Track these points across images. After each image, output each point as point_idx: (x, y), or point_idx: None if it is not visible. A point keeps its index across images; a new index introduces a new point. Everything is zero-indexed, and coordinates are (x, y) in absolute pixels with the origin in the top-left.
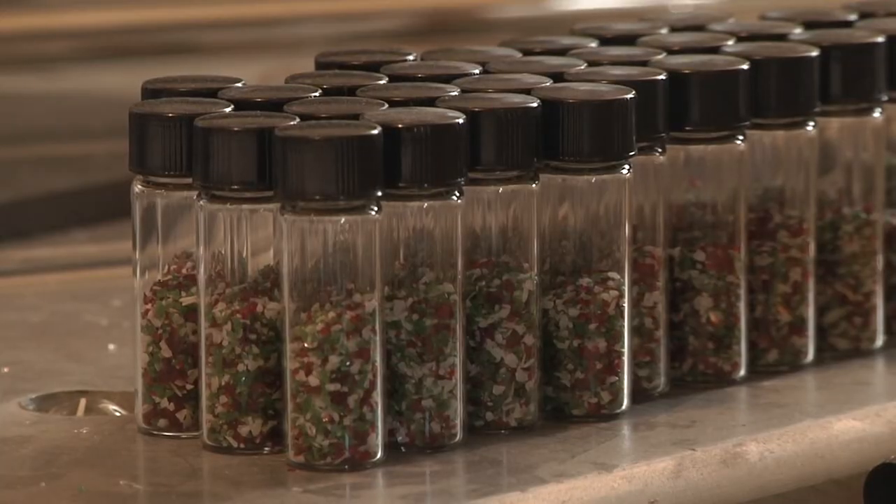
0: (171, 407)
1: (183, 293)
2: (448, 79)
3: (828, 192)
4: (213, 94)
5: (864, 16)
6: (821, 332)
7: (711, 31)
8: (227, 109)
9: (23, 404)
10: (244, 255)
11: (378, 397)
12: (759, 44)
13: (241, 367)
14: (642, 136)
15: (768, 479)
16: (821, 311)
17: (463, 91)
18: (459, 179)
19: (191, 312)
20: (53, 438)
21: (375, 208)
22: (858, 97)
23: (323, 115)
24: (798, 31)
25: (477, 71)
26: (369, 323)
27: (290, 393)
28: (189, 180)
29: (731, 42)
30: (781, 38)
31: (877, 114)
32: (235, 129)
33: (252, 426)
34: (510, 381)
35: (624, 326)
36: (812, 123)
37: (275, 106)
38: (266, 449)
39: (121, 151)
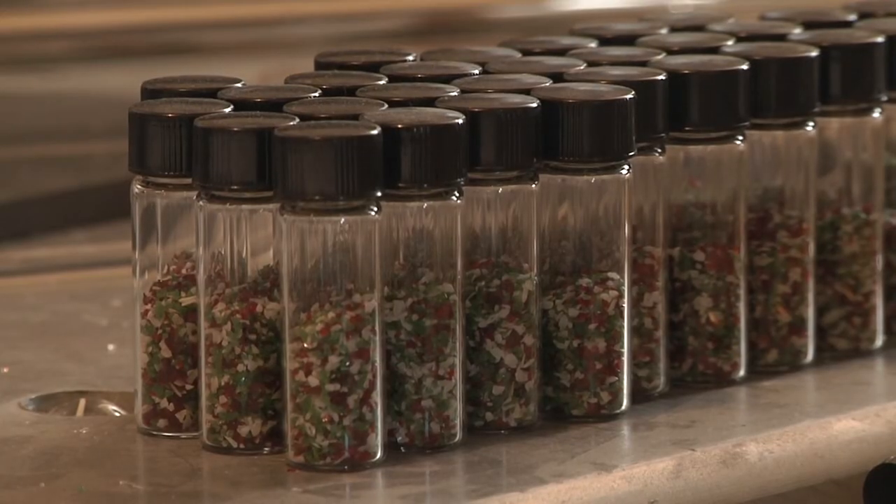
0: (171, 407)
1: (182, 293)
2: (448, 79)
3: (827, 193)
4: (212, 94)
5: (863, 16)
6: (820, 332)
7: (711, 31)
8: (227, 110)
9: (23, 404)
10: (244, 255)
11: (378, 397)
12: (758, 44)
13: (240, 368)
14: (642, 136)
15: (768, 479)
16: (820, 311)
17: (462, 91)
18: (459, 180)
19: (190, 313)
20: (53, 439)
21: (375, 208)
22: (858, 97)
23: (322, 116)
24: (798, 31)
25: (476, 71)
26: (369, 323)
27: (290, 393)
28: (189, 180)
29: (730, 42)
30: (781, 38)
31: (876, 114)
32: (235, 129)
33: (252, 426)
34: (510, 381)
35: (623, 327)
36: (812, 123)
37: (274, 106)
38: (266, 449)
39: (121, 151)
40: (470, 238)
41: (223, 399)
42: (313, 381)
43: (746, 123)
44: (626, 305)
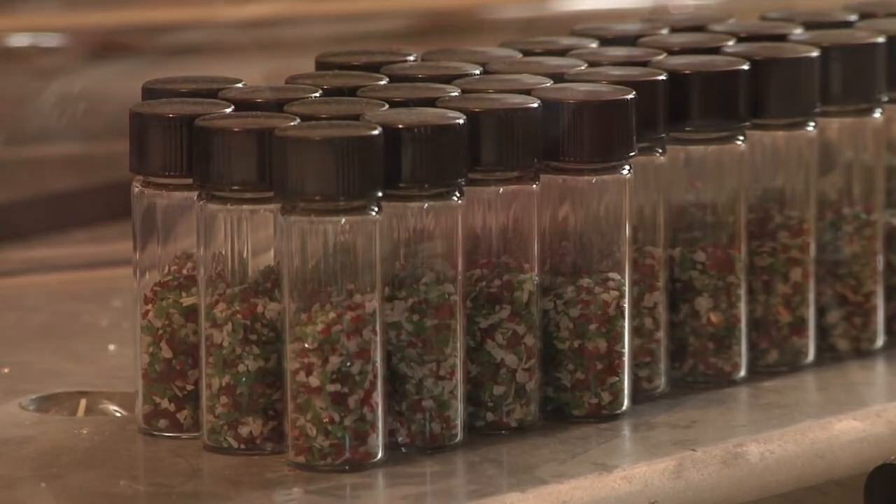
0: (172, 407)
1: (183, 294)
2: (448, 79)
3: (828, 193)
4: (213, 94)
5: (864, 16)
6: (821, 332)
7: (712, 31)
8: (228, 110)
9: (23, 405)
10: (244, 255)
11: (378, 398)
12: (759, 44)
13: (241, 368)
14: (642, 136)
15: (769, 479)
16: (821, 311)
17: (463, 91)
18: (460, 180)
19: (191, 313)
20: (54, 439)
21: (376, 209)
22: (858, 98)
23: (323, 116)
24: (798, 31)
25: (477, 71)
26: (370, 323)
27: (291, 393)
28: (189, 181)
29: (731, 42)
30: (782, 38)
31: (877, 114)
32: (236, 129)
33: (252, 427)
34: (510, 381)
35: (624, 327)
36: (812, 124)
37: (275, 106)
38: (266, 449)
39: (121, 151)
40: (471, 238)
41: (224, 399)
42: (314, 381)
43: (747, 124)
44: (626, 306)
